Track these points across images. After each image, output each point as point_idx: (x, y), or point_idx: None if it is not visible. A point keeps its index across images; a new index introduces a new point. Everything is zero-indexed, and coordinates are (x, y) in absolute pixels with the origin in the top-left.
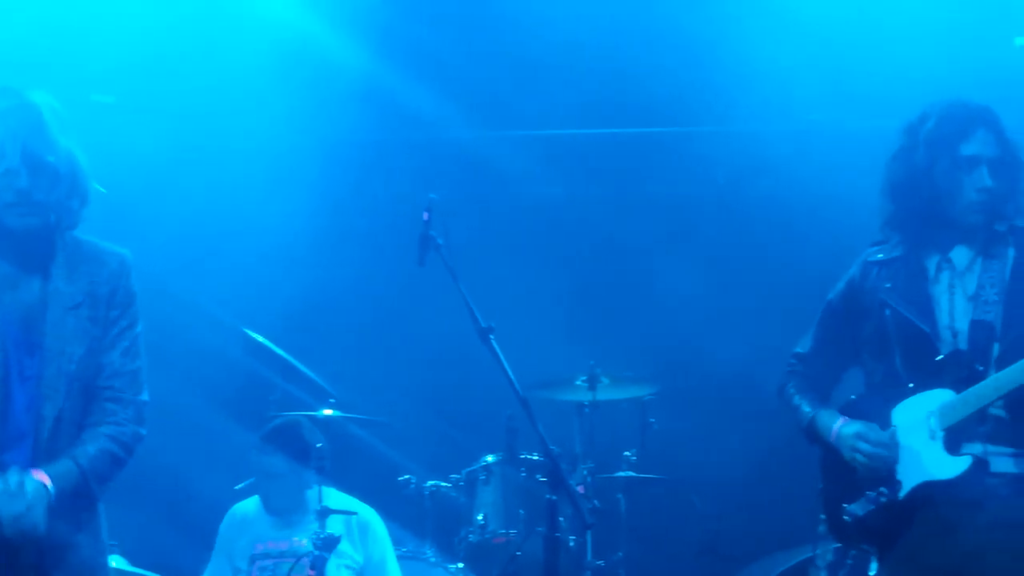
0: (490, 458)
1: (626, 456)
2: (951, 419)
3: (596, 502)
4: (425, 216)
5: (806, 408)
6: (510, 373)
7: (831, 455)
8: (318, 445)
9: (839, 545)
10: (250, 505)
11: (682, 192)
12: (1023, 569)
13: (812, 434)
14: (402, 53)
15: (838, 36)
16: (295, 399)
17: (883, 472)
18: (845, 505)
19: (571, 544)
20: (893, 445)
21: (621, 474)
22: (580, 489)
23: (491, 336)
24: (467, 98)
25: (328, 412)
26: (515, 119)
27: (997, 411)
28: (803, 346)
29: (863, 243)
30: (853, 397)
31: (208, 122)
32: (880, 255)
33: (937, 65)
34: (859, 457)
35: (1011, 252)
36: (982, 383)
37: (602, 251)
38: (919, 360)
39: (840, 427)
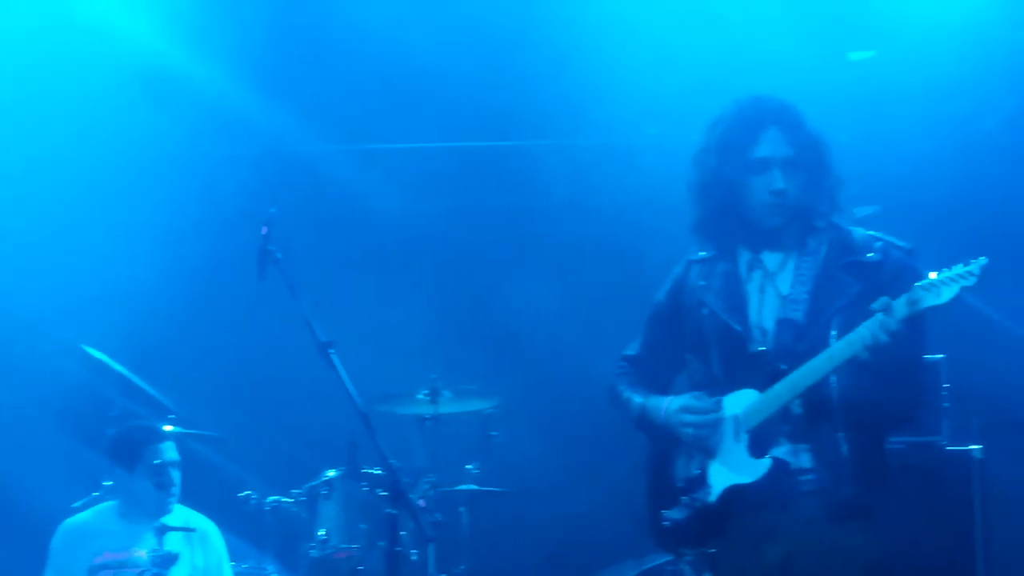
0: (331, 473)
1: (468, 469)
2: (754, 420)
3: (438, 516)
4: (264, 231)
5: (637, 399)
6: (350, 387)
7: (654, 456)
8: (156, 461)
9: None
10: (87, 517)
11: (524, 205)
12: (834, 564)
13: (645, 422)
14: (244, 67)
15: (679, 51)
16: (134, 415)
17: (710, 441)
18: (663, 511)
19: (413, 558)
20: (718, 412)
21: (463, 487)
22: (421, 503)
23: (331, 350)
24: (309, 112)
25: (168, 428)
26: (357, 133)
27: (798, 410)
28: (632, 348)
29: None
30: None
31: (48, 137)
32: (702, 254)
33: (773, 80)
34: (688, 429)
35: (823, 249)
36: (780, 382)
37: (443, 264)
38: (732, 360)
39: (668, 404)
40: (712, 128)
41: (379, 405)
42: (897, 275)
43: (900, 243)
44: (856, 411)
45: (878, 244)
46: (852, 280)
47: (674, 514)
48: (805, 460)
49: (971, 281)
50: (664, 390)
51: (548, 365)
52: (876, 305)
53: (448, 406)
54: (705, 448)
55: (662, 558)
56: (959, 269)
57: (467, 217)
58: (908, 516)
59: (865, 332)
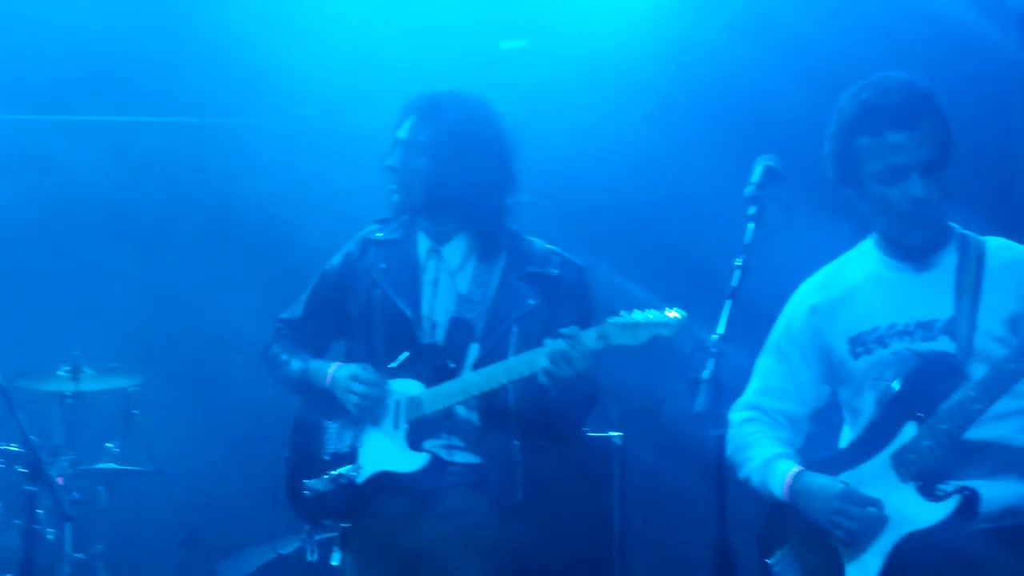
0: None
1: (108, 448)
2: (417, 412)
3: (76, 494)
4: None
5: (297, 362)
6: None
7: (300, 429)
8: None
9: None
10: None
11: (175, 182)
12: (472, 556)
13: (305, 385)
14: None
15: (333, 36)
16: None
17: (370, 417)
18: (306, 480)
19: (50, 537)
20: (383, 388)
21: (102, 466)
22: (60, 481)
23: None
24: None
25: None
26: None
27: (465, 411)
28: (292, 312)
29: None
30: None
31: None
32: (380, 234)
33: (426, 66)
34: (352, 398)
35: (504, 256)
36: (451, 381)
37: (90, 238)
38: (398, 345)
39: (336, 370)
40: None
41: (18, 380)
42: (572, 292)
43: (576, 260)
44: (530, 423)
45: (557, 259)
46: (531, 291)
47: (317, 485)
48: (459, 456)
49: (668, 332)
50: (320, 354)
51: (191, 344)
52: (565, 331)
53: (89, 383)
54: (362, 424)
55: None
56: (658, 316)
57: (119, 192)
58: (550, 504)
59: (545, 359)
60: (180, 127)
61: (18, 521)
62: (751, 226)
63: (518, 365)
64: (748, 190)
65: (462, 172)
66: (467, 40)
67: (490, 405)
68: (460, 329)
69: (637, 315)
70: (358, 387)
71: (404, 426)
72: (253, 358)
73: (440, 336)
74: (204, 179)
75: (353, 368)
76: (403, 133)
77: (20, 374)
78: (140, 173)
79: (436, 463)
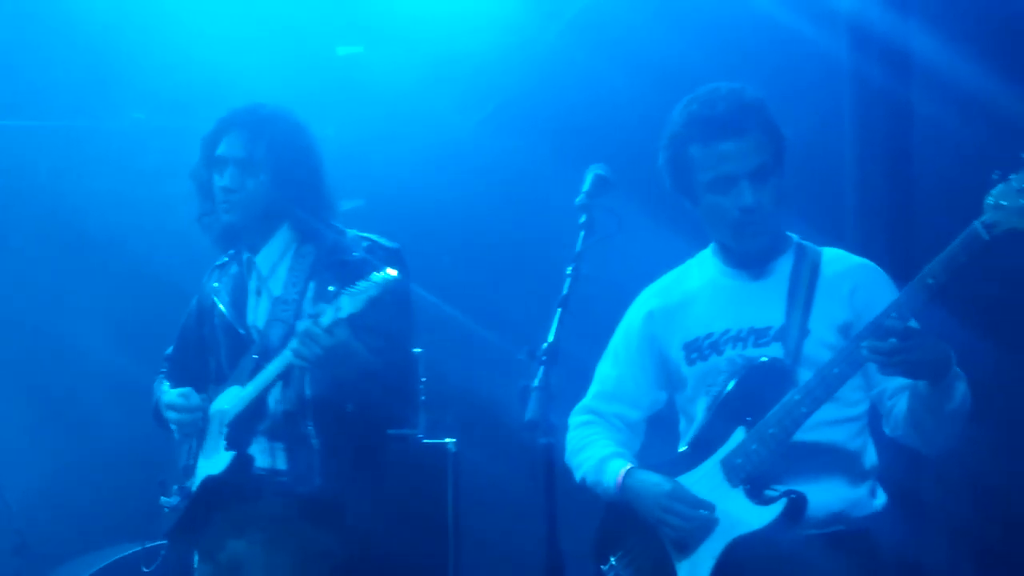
0: None
1: None
2: (231, 414)
3: None
4: None
5: (156, 393)
6: None
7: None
8: None
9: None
10: None
11: (12, 185)
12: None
13: (156, 415)
14: None
15: (167, 36)
16: None
17: (197, 436)
18: (162, 497)
19: None
20: (201, 409)
21: None
22: None
23: None
24: None
25: None
26: None
27: (275, 407)
28: (169, 349)
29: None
30: None
31: None
32: (223, 258)
33: (262, 71)
34: (172, 426)
35: (315, 252)
36: (255, 377)
37: None
38: (235, 358)
39: (161, 396)
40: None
41: None
42: None
43: (387, 243)
44: (328, 410)
45: (365, 244)
46: (333, 279)
47: (169, 500)
48: (281, 460)
49: (376, 291)
50: (198, 388)
51: (23, 349)
52: (311, 311)
53: None
54: (198, 438)
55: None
56: (372, 280)
57: None
58: (383, 510)
59: (295, 342)
60: (9, 130)
61: None
62: (581, 234)
63: (284, 353)
64: (579, 199)
65: (298, 185)
66: (303, 45)
67: (294, 396)
68: (275, 329)
69: (360, 283)
70: (173, 414)
71: (224, 430)
72: (86, 364)
73: (264, 339)
74: (35, 184)
75: (172, 394)
76: (234, 151)
77: None
78: None
79: (246, 461)
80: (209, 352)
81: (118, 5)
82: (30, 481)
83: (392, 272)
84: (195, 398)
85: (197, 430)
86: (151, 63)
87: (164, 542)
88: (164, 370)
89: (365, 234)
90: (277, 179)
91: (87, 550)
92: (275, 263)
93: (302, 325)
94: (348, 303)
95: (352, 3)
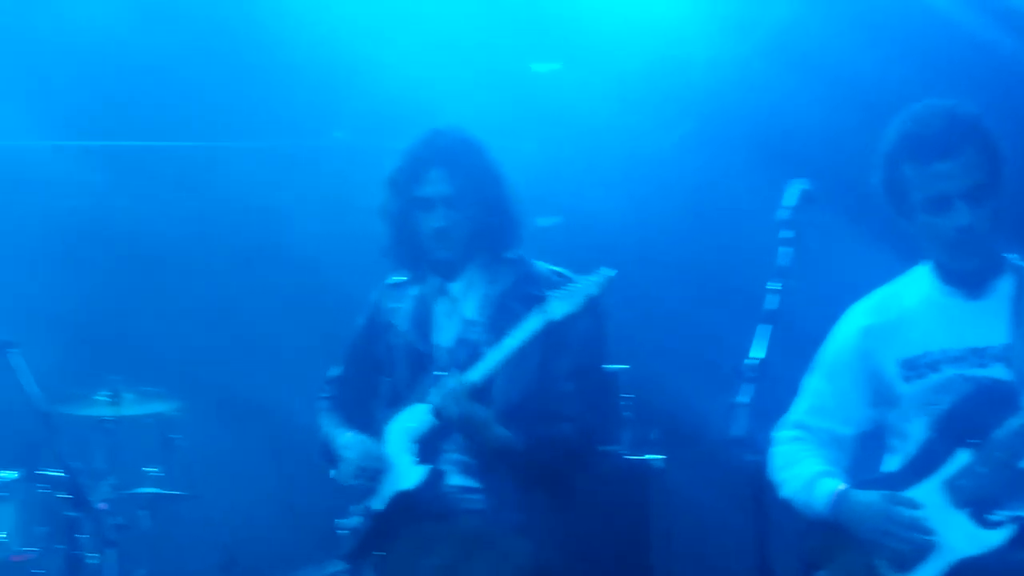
0: (10, 475)
1: (148, 472)
2: (418, 431)
3: (118, 519)
4: None
5: (324, 427)
6: (31, 388)
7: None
8: None
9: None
10: None
11: (209, 206)
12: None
13: (326, 453)
14: None
15: (367, 58)
16: None
17: (367, 482)
18: (338, 520)
19: (92, 562)
20: (378, 457)
21: (143, 490)
22: (102, 506)
23: (11, 351)
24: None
25: None
26: (42, 129)
27: None
28: (335, 370)
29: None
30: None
31: None
32: (397, 278)
33: (458, 89)
34: (353, 481)
35: (509, 281)
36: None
37: (127, 263)
38: (416, 377)
39: (341, 448)
40: (397, 160)
41: (59, 406)
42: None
43: (572, 276)
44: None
45: (556, 278)
46: (524, 310)
47: (348, 522)
48: (472, 477)
49: (597, 291)
50: (366, 410)
51: (227, 368)
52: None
53: (129, 408)
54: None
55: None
56: (587, 280)
57: (153, 217)
58: (584, 526)
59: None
60: (215, 150)
61: (60, 546)
62: (786, 250)
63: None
64: (782, 214)
65: (498, 215)
66: (498, 63)
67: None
68: (463, 349)
69: (573, 285)
70: (350, 456)
71: (413, 447)
72: (290, 381)
73: (451, 362)
74: (238, 203)
75: (349, 436)
76: (440, 189)
77: (60, 400)
78: (174, 197)
79: (435, 474)
80: (382, 373)
81: (320, 27)
82: (237, 497)
83: (609, 271)
84: (371, 446)
85: (373, 482)
86: (351, 82)
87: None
88: (328, 394)
89: (556, 268)
90: (481, 211)
91: (292, 567)
92: (468, 289)
93: (449, 381)
94: (560, 305)
95: (548, 20)
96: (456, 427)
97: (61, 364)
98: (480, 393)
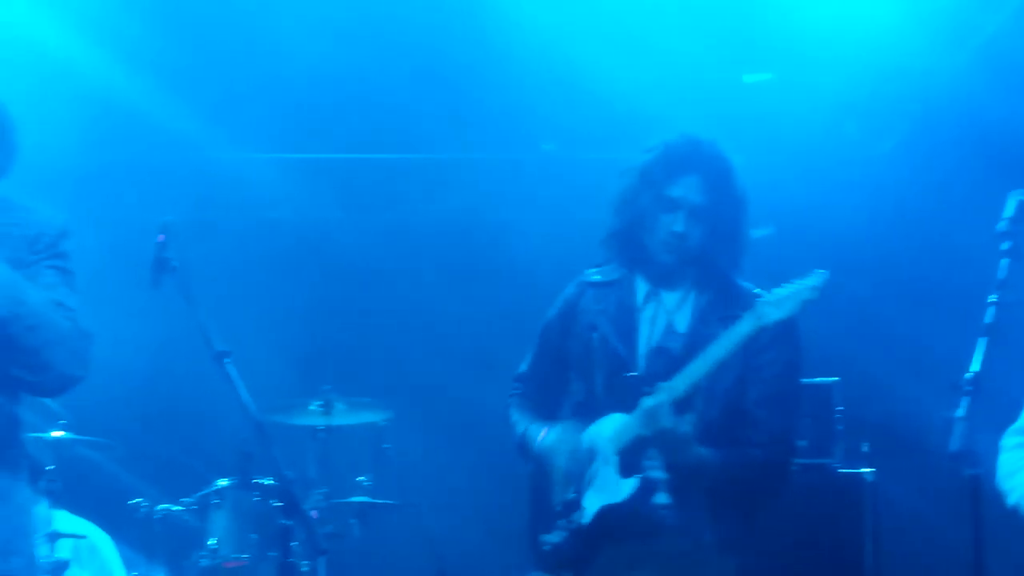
0: (223, 482)
1: (360, 481)
2: (621, 442)
3: (330, 527)
4: (160, 238)
5: (520, 426)
6: (245, 397)
7: (535, 482)
8: (48, 467)
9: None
10: None
11: (417, 218)
12: None
13: (524, 449)
14: (145, 69)
15: (575, 69)
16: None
17: (576, 482)
18: (541, 535)
19: (304, 569)
20: (586, 456)
21: (355, 499)
22: (314, 514)
23: (226, 360)
24: (210, 118)
25: (57, 434)
26: (258, 142)
27: None
28: (523, 366)
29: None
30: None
31: None
32: (597, 276)
33: (668, 101)
34: (557, 465)
35: (712, 296)
36: (632, 415)
37: (338, 275)
38: (613, 382)
39: (543, 437)
40: (643, 154)
41: (273, 415)
42: (773, 336)
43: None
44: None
45: (754, 300)
46: (723, 328)
47: (552, 538)
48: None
49: (813, 295)
50: (552, 409)
51: (439, 377)
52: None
53: (341, 418)
54: (581, 474)
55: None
56: (801, 283)
57: (362, 228)
58: (796, 538)
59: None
60: (421, 163)
61: (272, 553)
62: (1005, 261)
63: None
64: (1001, 225)
65: (730, 238)
66: (709, 74)
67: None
68: (661, 358)
69: (782, 289)
70: (560, 456)
71: (614, 458)
72: (501, 393)
73: (647, 371)
74: (449, 215)
75: (557, 432)
76: (691, 196)
77: (274, 409)
78: (387, 209)
79: (645, 486)
80: (575, 372)
81: (527, 40)
82: (446, 507)
83: (823, 272)
84: (580, 443)
85: (583, 470)
86: (560, 94)
87: None
88: (518, 391)
89: (757, 289)
90: (720, 227)
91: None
92: (679, 298)
93: (658, 394)
94: (773, 311)
95: (759, 31)
96: (656, 441)
97: (275, 374)
98: (683, 407)
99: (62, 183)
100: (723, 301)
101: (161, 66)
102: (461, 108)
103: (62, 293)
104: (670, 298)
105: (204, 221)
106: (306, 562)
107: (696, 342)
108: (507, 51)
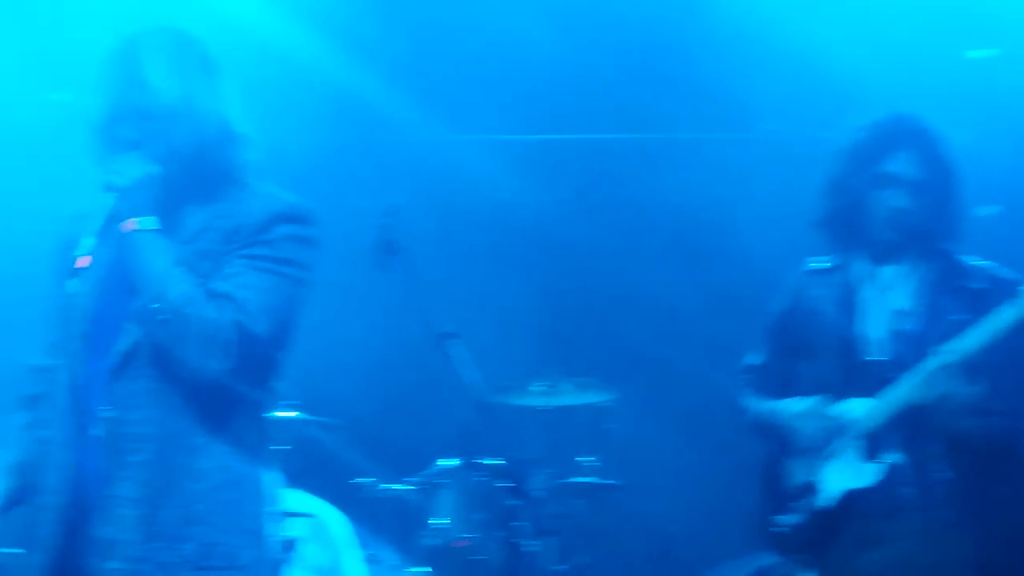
0: (450, 462)
1: (585, 462)
2: (866, 427)
3: (556, 508)
4: (385, 220)
5: (756, 406)
6: (471, 378)
7: (770, 461)
8: (283, 447)
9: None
10: None
11: (638, 199)
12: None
13: (763, 428)
14: (365, 55)
15: (795, 48)
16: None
17: (827, 448)
18: (777, 517)
19: (530, 549)
20: (831, 433)
21: (579, 479)
22: (540, 495)
23: (452, 341)
24: (430, 101)
25: (289, 414)
26: (478, 123)
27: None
28: (754, 358)
29: (814, 252)
30: None
31: None
32: (816, 264)
33: (889, 78)
34: (805, 433)
35: (935, 273)
36: (883, 397)
37: (562, 256)
38: (844, 369)
39: (787, 406)
40: (852, 135)
41: (498, 396)
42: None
43: (1008, 275)
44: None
45: (984, 274)
46: (958, 306)
47: (788, 519)
48: (913, 473)
49: None
50: (787, 395)
51: (663, 358)
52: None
53: (565, 398)
54: (821, 454)
55: (770, 558)
56: None
57: (584, 209)
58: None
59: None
60: (646, 143)
61: (499, 534)
62: None
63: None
64: None
65: (948, 209)
66: (932, 50)
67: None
68: (902, 341)
69: None
70: (808, 423)
71: (858, 443)
72: (725, 371)
73: (886, 352)
74: (670, 196)
75: (802, 405)
76: (909, 171)
77: (499, 390)
78: (607, 190)
79: (895, 474)
80: (801, 359)
81: (749, 19)
82: (670, 488)
83: None
84: (828, 407)
85: (829, 443)
86: (780, 74)
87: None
88: (748, 381)
89: (983, 263)
90: (938, 201)
91: (728, 558)
92: (899, 277)
93: (943, 355)
94: None
95: (983, 5)
96: (935, 408)
97: (499, 355)
98: (968, 371)
99: (291, 166)
100: (950, 275)
101: (385, 55)
102: (682, 88)
103: (237, 283)
104: (893, 276)
105: (428, 204)
106: (533, 542)
107: (930, 319)
108: (728, 30)
